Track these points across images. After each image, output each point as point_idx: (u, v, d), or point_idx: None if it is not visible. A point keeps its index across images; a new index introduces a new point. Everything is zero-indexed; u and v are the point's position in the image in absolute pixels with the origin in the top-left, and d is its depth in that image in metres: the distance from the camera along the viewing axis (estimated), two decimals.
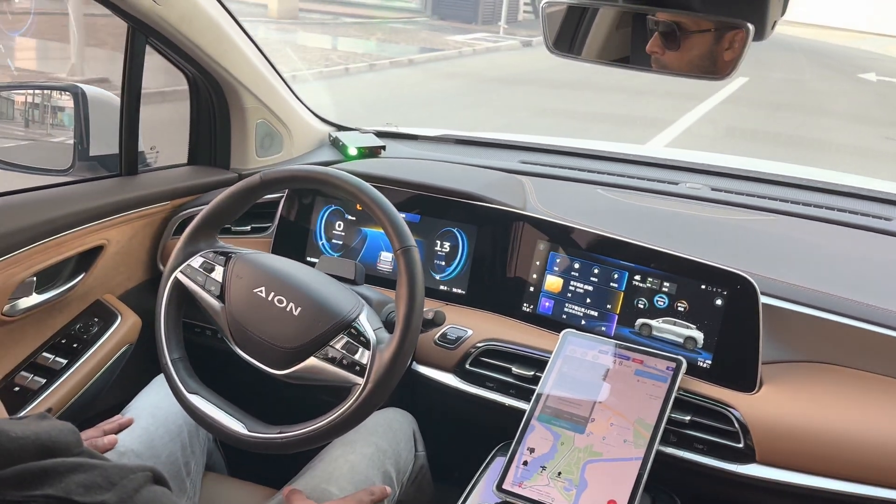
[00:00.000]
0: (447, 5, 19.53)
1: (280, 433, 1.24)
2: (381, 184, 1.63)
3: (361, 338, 1.23)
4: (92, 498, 0.70)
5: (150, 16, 1.51)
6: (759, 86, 12.12)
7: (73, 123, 1.78)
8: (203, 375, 1.36)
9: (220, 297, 1.31)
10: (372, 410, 1.23)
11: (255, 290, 1.28)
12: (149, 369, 1.55)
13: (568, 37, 1.28)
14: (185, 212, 1.83)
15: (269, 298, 1.28)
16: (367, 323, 1.25)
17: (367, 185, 1.29)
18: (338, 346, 1.22)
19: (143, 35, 1.63)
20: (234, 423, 1.27)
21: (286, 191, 1.79)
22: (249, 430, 1.26)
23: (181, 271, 1.34)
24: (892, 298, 1.41)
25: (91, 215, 1.61)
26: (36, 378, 1.55)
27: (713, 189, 1.95)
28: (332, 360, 1.22)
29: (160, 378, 1.53)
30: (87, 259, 1.63)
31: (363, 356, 1.22)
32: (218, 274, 1.32)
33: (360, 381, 1.21)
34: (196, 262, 1.34)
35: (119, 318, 1.68)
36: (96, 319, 1.66)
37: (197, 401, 1.30)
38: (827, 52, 19.25)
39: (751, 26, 1.08)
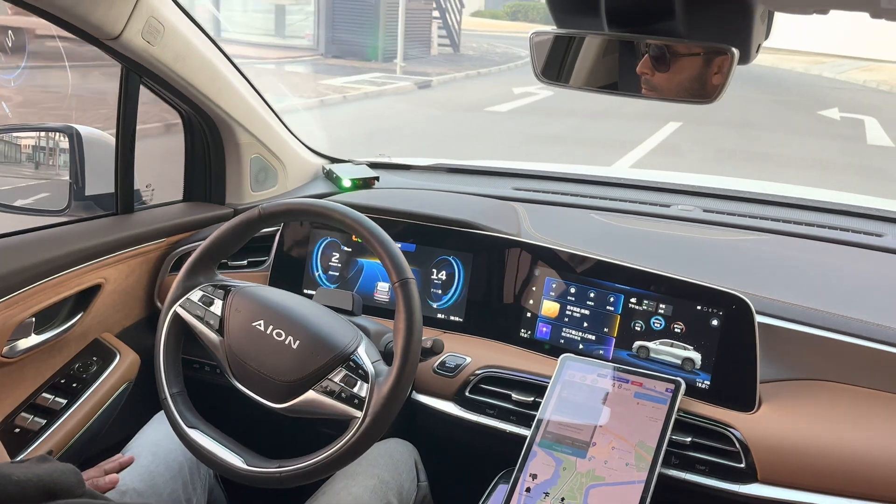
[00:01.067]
0: (342, 42, 16.58)
1: (279, 468, 1.24)
2: (377, 214, 1.64)
3: (360, 370, 1.24)
4: None
5: (145, 56, 1.53)
6: (696, 133, 10.11)
7: (68, 164, 1.79)
8: (202, 410, 1.36)
9: (220, 331, 1.31)
10: (371, 443, 1.23)
11: (253, 324, 1.29)
12: (148, 406, 1.55)
13: (556, 65, 1.30)
14: (181, 248, 1.84)
15: (268, 331, 1.28)
16: (365, 356, 1.26)
17: (364, 217, 1.30)
18: (336, 380, 1.23)
19: (137, 75, 1.65)
20: (232, 458, 1.27)
21: (281, 224, 1.80)
22: (248, 465, 1.26)
23: (180, 305, 1.35)
24: (886, 314, 1.42)
25: (88, 254, 1.62)
26: (36, 419, 1.55)
27: (705, 210, 1.97)
28: (330, 394, 1.22)
29: (160, 415, 1.53)
30: (84, 298, 1.64)
31: (362, 389, 1.22)
32: (217, 307, 1.32)
33: (359, 414, 1.21)
34: (195, 295, 1.35)
35: (118, 356, 1.68)
36: (95, 358, 1.66)
37: (196, 435, 1.30)
38: (784, 83, 16.67)
39: (735, 51, 1.10)
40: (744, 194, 2.10)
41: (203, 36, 1.66)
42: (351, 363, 1.24)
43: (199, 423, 1.32)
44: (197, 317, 1.33)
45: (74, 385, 1.61)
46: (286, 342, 1.25)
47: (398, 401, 1.22)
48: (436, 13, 18.41)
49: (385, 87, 13.21)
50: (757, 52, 1.24)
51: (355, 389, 1.22)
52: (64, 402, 1.58)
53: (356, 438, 1.21)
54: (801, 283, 1.56)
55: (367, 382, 1.23)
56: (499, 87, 14.01)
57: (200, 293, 1.35)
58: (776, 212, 1.96)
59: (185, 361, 1.41)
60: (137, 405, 1.69)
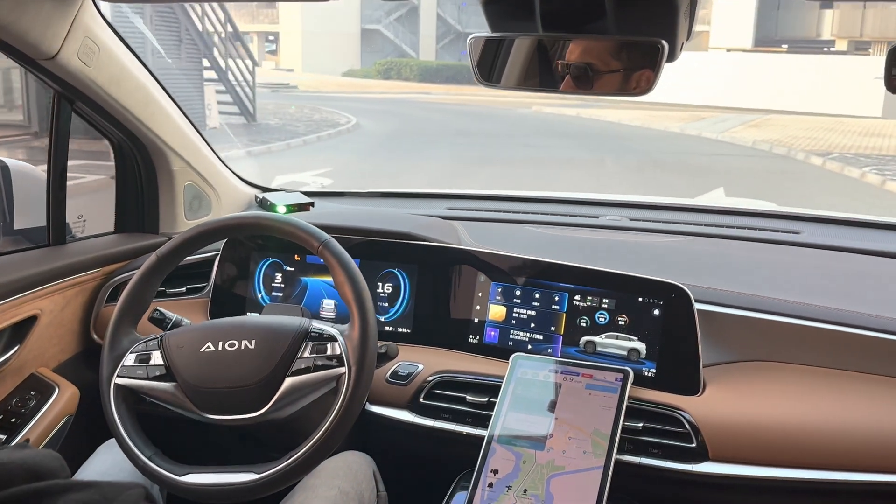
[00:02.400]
0: None
1: (290, 458, 1.23)
2: None
3: (323, 335, 1.26)
4: None
5: (81, 78, 1.51)
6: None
7: None
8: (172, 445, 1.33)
9: (170, 376, 1.27)
10: (366, 391, 1.25)
11: (202, 350, 1.27)
12: (92, 439, 1.50)
13: (487, 67, 1.34)
14: (117, 278, 1.80)
15: (220, 348, 1.27)
16: (322, 324, 1.29)
17: (260, 212, 1.33)
18: (306, 355, 1.24)
19: (69, 102, 1.63)
20: (242, 476, 1.24)
21: (219, 249, 1.79)
22: (259, 474, 1.23)
23: (118, 376, 1.30)
24: (813, 296, 1.50)
25: (22, 285, 1.57)
26: None
27: (631, 219, 2.06)
28: (307, 370, 1.23)
29: (105, 446, 1.49)
30: (20, 330, 1.59)
31: (335, 348, 1.24)
32: (157, 358, 1.29)
33: (344, 369, 1.23)
34: (129, 360, 1.30)
35: (57, 390, 1.63)
36: (33, 393, 1.61)
37: (192, 478, 1.24)
38: (653, 151, 12.92)
39: (665, 43, 1.17)
40: (668, 204, 2.19)
41: (136, 60, 1.65)
42: (312, 334, 1.26)
43: (189, 467, 1.27)
44: (140, 378, 1.29)
45: (13, 420, 1.55)
46: (242, 347, 1.25)
47: (373, 342, 1.26)
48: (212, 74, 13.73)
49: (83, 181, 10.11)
50: (680, 50, 1.32)
51: (328, 352, 1.24)
52: (3, 437, 1.52)
53: (351, 391, 1.22)
54: (732, 274, 1.64)
55: (337, 340, 1.25)
56: (264, 169, 10.24)
57: (133, 356, 1.31)
58: (700, 217, 2.06)
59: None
60: (80, 438, 1.64)
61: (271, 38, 32.02)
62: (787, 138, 14.35)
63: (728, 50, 24.02)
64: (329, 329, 1.27)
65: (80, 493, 0.70)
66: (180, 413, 1.30)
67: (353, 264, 1.30)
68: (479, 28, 1.34)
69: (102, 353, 1.33)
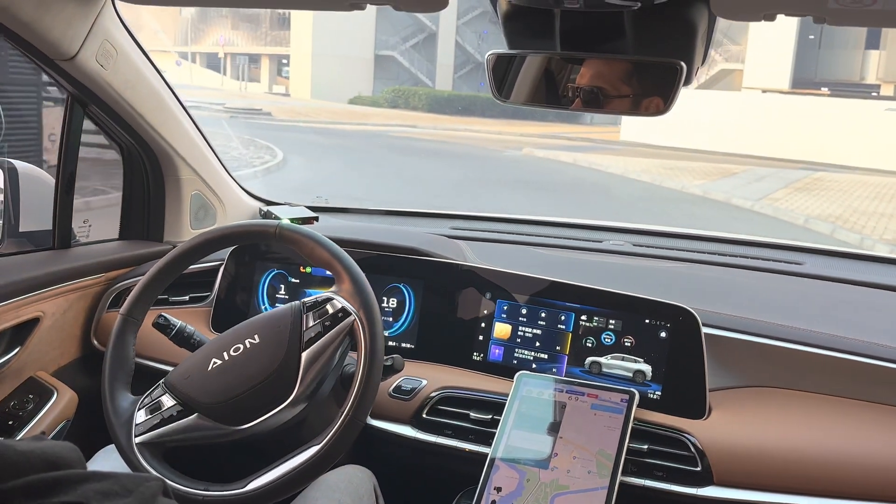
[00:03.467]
0: None
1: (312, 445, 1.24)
2: None
3: (318, 301, 1.29)
4: (111, 503, 0.68)
5: (97, 80, 1.52)
6: None
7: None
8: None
9: (188, 410, 1.26)
10: (381, 331, 1.28)
11: (210, 367, 1.28)
12: (90, 444, 1.48)
13: (500, 84, 1.35)
14: (120, 284, 1.79)
15: (227, 357, 1.28)
16: (314, 296, 1.31)
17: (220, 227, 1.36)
18: (311, 324, 1.27)
19: (82, 107, 1.63)
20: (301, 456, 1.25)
21: (224, 259, 1.78)
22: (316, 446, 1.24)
23: (137, 436, 1.27)
24: (820, 323, 1.51)
25: (26, 287, 1.57)
26: None
27: (634, 245, 2.06)
28: (318, 336, 1.25)
29: (103, 452, 1.48)
30: (22, 332, 1.58)
31: (334, 305, 1.28)
32: (168, 400, 1.28)
33: (352, 316, 1.27)
34: (140, 418, 1.28)
35: (55, 394, 1.62)
36: (31, 396, 1.59)
37: (254, 484, 1.23)
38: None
39: (683, 64, 1.18)
40: (671, 232, 2.20)
41: (150, 66, 1.66)
42: (308, 305, 1.29)
43: (243, 480, 1.25)
44: (159, 426, 1.27)
45: (10, 423, 1.53)
46: (248, 346, 1.27)
47: (363, 281, 1.31)
48: None
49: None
50: (696, 74, 1.34)
51: (330, 311, 1.27)
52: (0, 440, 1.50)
53: (369, 331, 1.26)
54: (736, 300, 1.65)
55: (333, 298, 1.29)
56: None
57: (142, 412, 1.29)
58: (703, 245, 2.07)
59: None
60: (78, 443, 1.60)
61: (285, 61, 31.38)
62: (856, 215, 9.37)
63: (764, 91, 21.33)
64: (322, 294, 1.30)
65: (98, 483, 0.69)
66: (215, 440, 1.27)
67: (316, 233, 1.32)
68: None
69: (111, 425, 1.30)
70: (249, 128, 16.86)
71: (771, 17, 1.00)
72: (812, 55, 23.09)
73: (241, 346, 1.26)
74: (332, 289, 1.31)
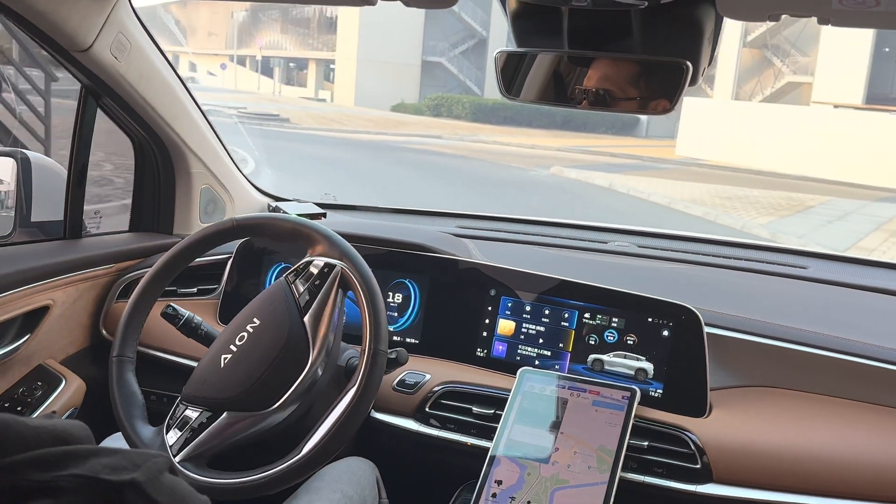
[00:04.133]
0: None
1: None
2: None
3: (299, 268, 1.35)
4: (120, 476, 0.70)
5: (111, 72, 1.54)
6: None
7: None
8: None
9: (217, 412, 1.27)
10: (369, 272, 1.33)
11: (223, 364, 1.30)
12: (97, 432, 1.50)
13: (509, 81, 1.37)
14: (129, 275, 1.81)
15: (236, 348, 1.30)
16: (293, 266, 1.37)
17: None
18: (301, 289, 1.32)
19: (95, 99, 1.65)
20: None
21: (232, 252, 1.80)
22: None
23: (177, 456, 1.27)
24: (823, 325, 1.52)
25: (37, 275, 1.59)
26: None
27: (640, 246, 2.08)
28: (313, 296, 1.31)
29: (110, 440, 1.50)
30: (32, 320, 1.60)
31: (317, 264, 1.33)
32: (192, 413, 1.29)
33: (337, 264, 1.32)
34: (171, 439, 1.29)
35: (64, 382, 1.64)
36: (39, 383, 1.61)
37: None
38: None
39: (689, 64, 1.20)
40: (676, 234, 2.22)
41: (164, 59, 1.68)
42: (292, 274, 1.35)
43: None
44: (192, 438, 1.27)
45: (19, 409, 1.55)
46: (251, 330, 1.31)
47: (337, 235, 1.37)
48: None
49: None
50: (702, 74, 1.35)
51: (315, 271, 1.33)
52: None
53: (357, 270, 1.31)
54: (739, 301, 1.66)
55: (312, 260, 1.34)
56: None
57: (172, 433, 1.29)
58: (707, 248, 2.08)
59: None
60: None
61: (333, 66, 30.87)
62: None
63: (836, 106, 18.92)
64: (300, 263, 1.35)
65: (107, 458, 0.70)
66: (254, 430, 1.28)
67: (269, 213, 1.41)
68: None
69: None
70: (261, 135, 16.13)
71: (776, 18, 1.01)
72: (888, 68, 21.23)
73: (245, 334, 1.29)
74: (308, 253, 1.36)
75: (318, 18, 30.42)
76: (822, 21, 1.00)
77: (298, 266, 1.34)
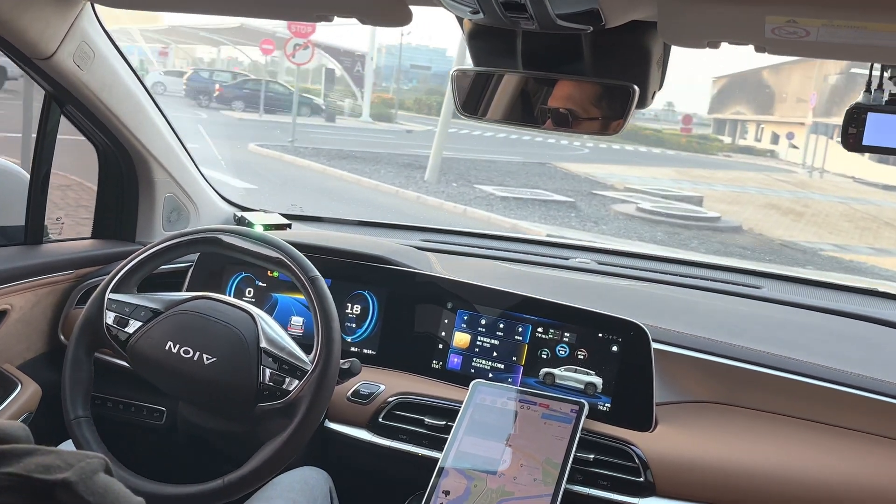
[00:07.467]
0: None
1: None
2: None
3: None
4: (52, 476, 0.71)
5: (73, 81, 1.55)
6: None
7: None
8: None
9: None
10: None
11: (168, 348, 1.35)
12: (51, 436, 1.50)
13: (474, 102, 1.40)
14: (89, 282, 1.81)
15: (192, 357, 1.33)
16: None
17: (266, 234, 1.39)
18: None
19: (59, 105, 1.66)
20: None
21: (194, 261, 1.81)
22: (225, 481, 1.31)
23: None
24: (769, 345, 1.55)
25: None
26: None
27: (600, 263, 2.11)
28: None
29: (64, 446, 1.50)
30: None
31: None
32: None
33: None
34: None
35: (20, 386, 1.64)
36: None
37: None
38: None
39: (636, 87, 1.23)
40: (634, 253, 2.26)
41: (129, 69, 1.70)
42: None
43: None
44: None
45: None
46: (197, 356, 1.34)
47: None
48: None
49: None
50: (652, 98, 1.39)
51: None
52: None
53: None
54: (692, 319, 1.69)
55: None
56: None
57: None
58: (666, 267, 2.12)
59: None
60: (40, 436, 1.62)
61: None
62: None
63: None
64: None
65: (41, 458, 0.72)
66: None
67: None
68: None
69: None
70: None
71: (715, 45, 1.05)
72: None
73: (190, 351, 1.38)
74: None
75: None
76: (759, 49, 1.04)
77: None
